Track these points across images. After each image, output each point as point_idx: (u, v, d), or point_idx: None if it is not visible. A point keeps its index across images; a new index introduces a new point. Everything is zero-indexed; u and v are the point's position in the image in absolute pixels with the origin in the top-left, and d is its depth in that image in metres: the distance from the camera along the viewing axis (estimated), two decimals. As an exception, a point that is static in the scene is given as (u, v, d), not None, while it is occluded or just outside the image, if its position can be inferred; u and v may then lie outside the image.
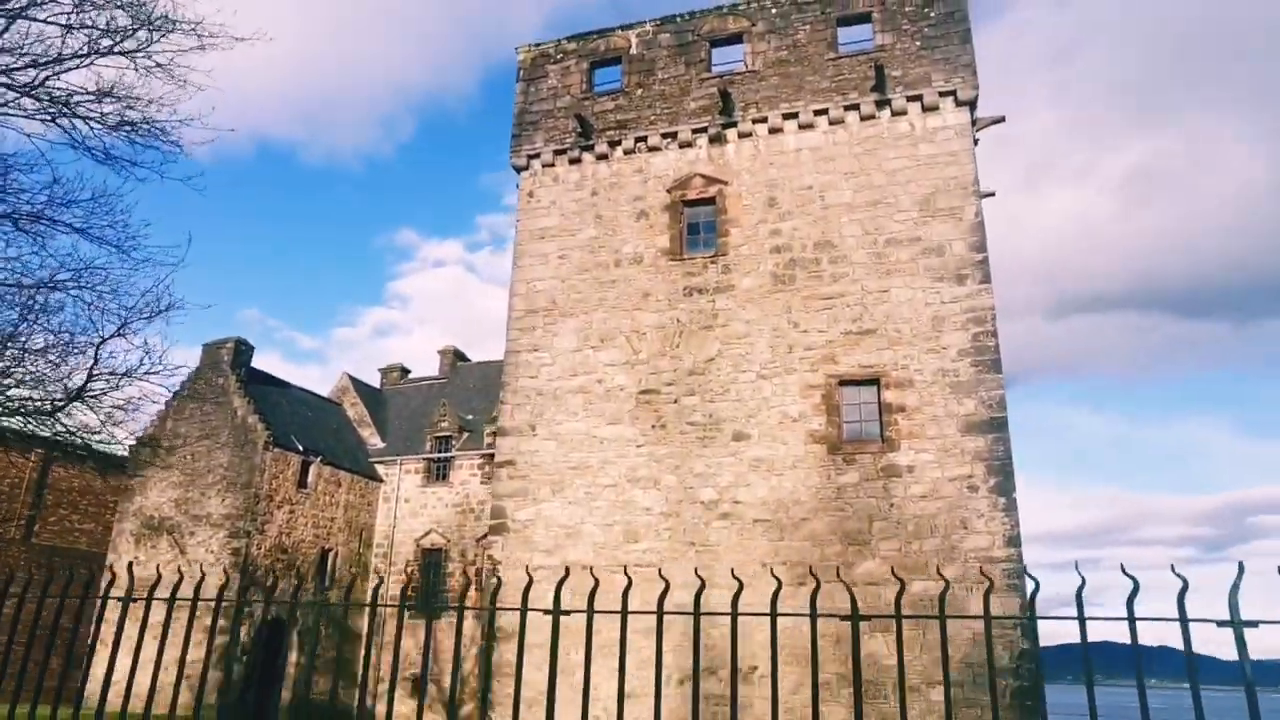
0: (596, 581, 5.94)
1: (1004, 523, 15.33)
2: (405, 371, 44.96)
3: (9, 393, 11.22)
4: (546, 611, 5.72)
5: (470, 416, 38.70)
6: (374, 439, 39.67)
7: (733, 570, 7.66)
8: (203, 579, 6.56)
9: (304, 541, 34.07)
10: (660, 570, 6.71)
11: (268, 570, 32.12)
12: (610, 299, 19.00)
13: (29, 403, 11.43)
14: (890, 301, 17.17)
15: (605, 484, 17.62)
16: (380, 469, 38.31)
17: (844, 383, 17.02)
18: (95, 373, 11.50)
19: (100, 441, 13.92)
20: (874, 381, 16.84)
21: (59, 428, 12.00)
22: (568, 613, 5.80)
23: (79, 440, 13.03)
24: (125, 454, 35.30)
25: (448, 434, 37.79)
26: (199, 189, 12.31)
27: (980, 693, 14.61)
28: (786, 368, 17.36)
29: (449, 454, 37.19)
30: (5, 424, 11.83)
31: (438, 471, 37.49)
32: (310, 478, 34.65)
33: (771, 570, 7.72)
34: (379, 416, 40.95)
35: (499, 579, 6.08)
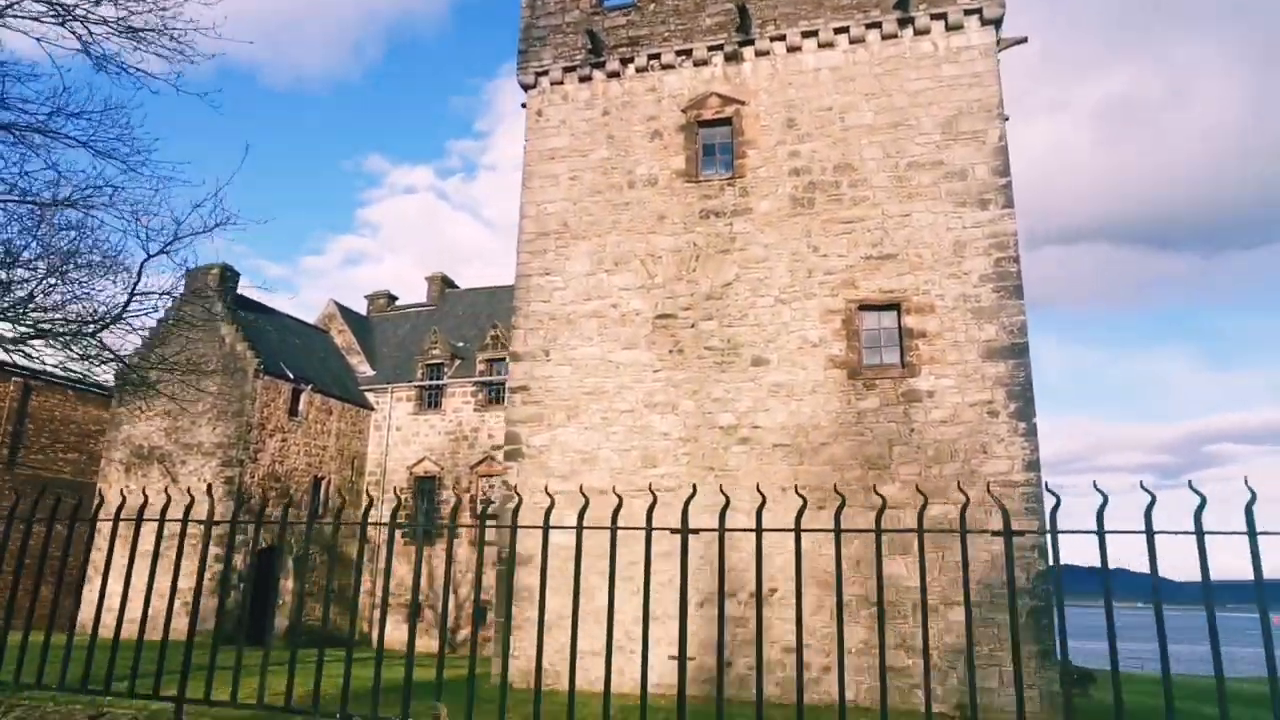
0: (620, 500, 5.90)
1: (1024, 447, 15.46)
2: (392, 299, 44.29)
3: (37, 314, 10.79)
4: (569, 528, 5.68)
5: (461, 344, 38.34)
6: (363, 367, 39.25)
7: (758, 485, 7.61)
8: (213, 508, 6.40)
9: (297, 470, 33.89)
10: (679, 493, 6.61)
11: (262, 498, 32.01)
12: (624, 221, 18.62)
13: (59, 324, 10.99)
14: (911, 226, 16.96)
15: (622, 409, 17.51)
16: (371, 397, 37.98)
17: (864, 308, 16.90)
18: (138, 291, 11.07)
19: (137, 368, 13.53)
20: (894, 307, 16.73)
21: (92, 351, 11.59)
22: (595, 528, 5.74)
23: (113, 365, 12.63)
24: (110, 382, 34.74)
25: (439, 362, 37.44)
26: (215, 105, 11.73)
27: (997, 612, 14.89)
28: (806, 292, 17.19)
29: (441, 381, 36.90)
30: (32, 346, 11.41)
31: (430, 399, 37.25)
32: (301, 406, 34.29)
33: (796, 489, 7.70)
34: (367, 344, 40.46)
35: (520, 499, 6.03)
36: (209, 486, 7.89)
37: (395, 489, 35.85)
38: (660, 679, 16.02)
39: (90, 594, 30.76)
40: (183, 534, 6.22)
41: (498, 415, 35.49)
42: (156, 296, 11.38)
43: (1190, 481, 4.58)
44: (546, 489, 7.91)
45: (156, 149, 22.07)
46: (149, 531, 7.08)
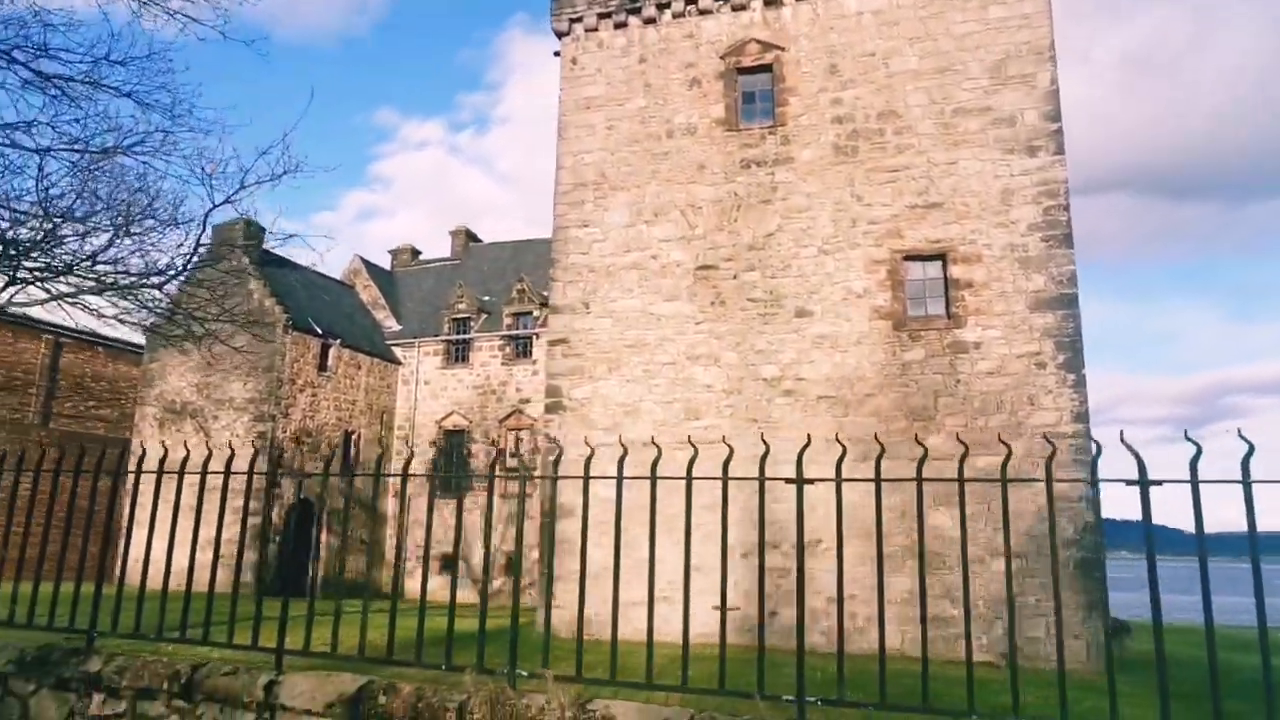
0: (659, 451, 5.96)
1: (1072, 399, 15.33)
2: (416, 253, 44.15)
3: (102, 267, 10.80)
4: (609, 478, 5.82)
5: (487, 298, 38.28)
6: (389, 321, 39.29)
7: (809, 437, 7.50)
8: (232, 455, 6.45)
9: (328, 425, 34.15)
10: (722, 446, 6.62)
11: (294, 453, 32.32)
12: (663, 171, 18.37)
13: (123, 277, 10.99)
14: (958, 174, 16.66)
15: (664, 361, 17.45)
16: (398, 351, 38.09)
17: (909, 258, 16.69)
18: (202, 242, 11.03)
19: (200, 319, 13.57)
20: (940, 257, 16.51)
21: (154, 303, 11.62)
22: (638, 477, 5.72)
23: (179, 318, 12.68)
24: (142, 338, 34.99)
25: (466, 315, 37.44)
26: (262, 53, 11.54)
27: (1044, 563, 14.91)
28: (850, 242, 16.97)
29: (468, 335, 36.93)
30: (95, 299, 11.45)
31: (457, 353, 37.32)
32: (330, 361, 34.44)
33: (837, 436, 7.62)
34: (392, 298, 40.45)
35: (560, 451, 6.09)
36: (251, 445, 7.89)
37: (427, 441, 36.11)
38: (703, 628, 16.17)
39: (132, 547, 31.20)
40: (201, 485, 6.28)
41: (525, 369, 35.58)
42: (229, 249, 11.36)
43: (1186, 431, 4.73)
44: (586, 440, 7.91)
45: (200, 95, 21.95)
46: (187, 485, 7.13)
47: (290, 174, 11.49)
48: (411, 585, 35.15)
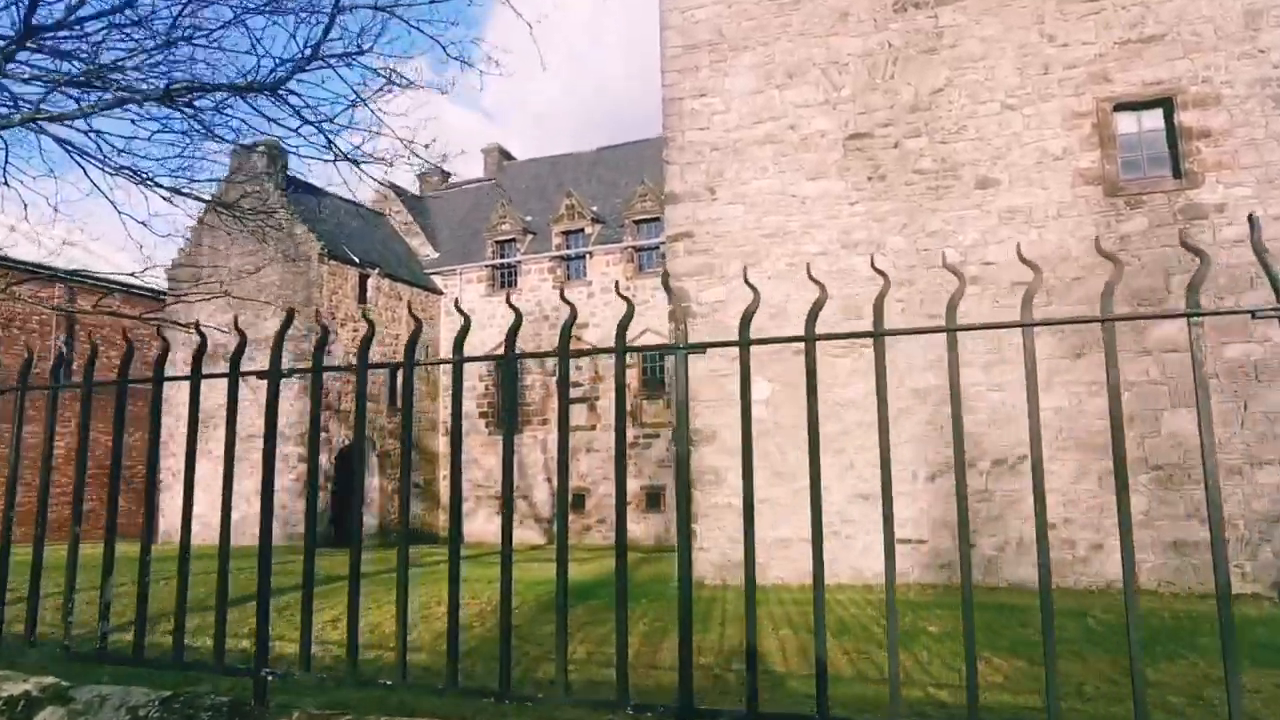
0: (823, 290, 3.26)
1: (1351, 265, 12.27)
2: (445, 175, 40.74)
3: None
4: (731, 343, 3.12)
5: (529, 218, 35.04)
6: (425, 249, 36.17)
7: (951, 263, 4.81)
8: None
9: (372, 360, 31.32)
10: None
11: (340, 392, 29.65)
12: (795, 24, 15.06)
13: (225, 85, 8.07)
14: (1181, -4, 13.35)
15: (813, 252, 14.41)
16: (437, 280, 35.05)
17: (1120, 107, 13.49)
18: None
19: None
20: (1162, 102, 13.31)
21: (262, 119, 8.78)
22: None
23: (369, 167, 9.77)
24: (161, 284, 32.09)
25: (510, 237, 34.26)
26: None
27: (1323, 469, 12.06)
28: (1041, 93, 13.76)
29: (516, 258, 33.80)
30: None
31: (503, 279, 34.25)
32: (369, 292, 31.47)
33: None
34: (426, 225, 37.25)
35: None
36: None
37: (477, 375, 33.34)
38: (878, 564, 13.49)
39: (171, 501, 28.94)
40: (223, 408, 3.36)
41: (580, 291, 32.59)
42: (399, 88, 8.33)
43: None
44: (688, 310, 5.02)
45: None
46: (222, 435, 4.59)
47: None
48: (470, 528, 32.73)
